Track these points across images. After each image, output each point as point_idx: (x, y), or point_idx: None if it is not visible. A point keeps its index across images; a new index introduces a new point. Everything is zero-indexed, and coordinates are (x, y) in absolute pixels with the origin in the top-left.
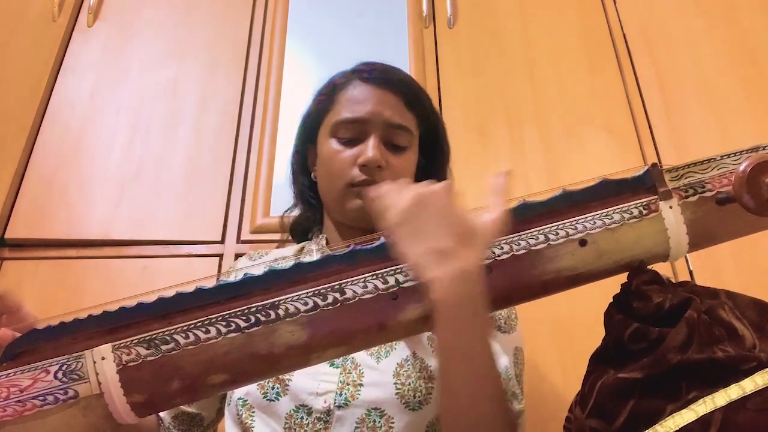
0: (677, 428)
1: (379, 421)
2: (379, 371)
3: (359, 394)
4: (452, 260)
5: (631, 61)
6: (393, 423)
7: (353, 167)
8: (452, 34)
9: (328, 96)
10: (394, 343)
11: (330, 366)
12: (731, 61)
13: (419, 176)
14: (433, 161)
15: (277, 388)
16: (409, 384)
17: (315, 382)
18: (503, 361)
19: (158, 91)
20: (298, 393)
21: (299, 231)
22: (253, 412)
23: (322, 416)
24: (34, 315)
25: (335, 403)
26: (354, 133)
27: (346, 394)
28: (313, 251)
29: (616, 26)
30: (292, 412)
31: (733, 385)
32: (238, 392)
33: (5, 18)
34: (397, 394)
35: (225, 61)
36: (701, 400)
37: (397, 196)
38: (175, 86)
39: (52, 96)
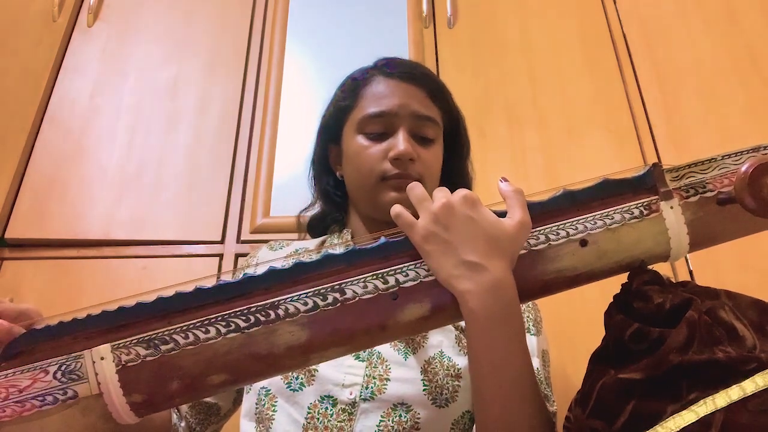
0: (678, 429)
1: (405, 416)
2: (407, 367)
3: (386, 389)
4: (482, 272)
5: (631, 61)
6: (419, 418)
7: (384, 161)
8: (452, 34)
9: (350, 93)
10: (421, 340)
11: (355, 359)
12: (731, 60)
13: (442, 170)
14: (454, 155)
15: (302, 378)
16: (437, 381)
17: (341, 374)
18: (534, 364)
19: (158, 91)
20: (325, 383)
21: (319, 227)
22: (275, 402)
23: (346, 408)
24: (38, 311)
25: (361, 395)
26: (382, 127)
27: (372, 387)
28: (337, 245)
29: (616, 26)
30: (316, 402)
31: (734, 386)
32: (261, 381)
33: (5, 18)
34: (424, 390)
35: (225, 61)
36: (702, 401)
37: (420, 211)
38: (175, 86)
39: (52, 96)
